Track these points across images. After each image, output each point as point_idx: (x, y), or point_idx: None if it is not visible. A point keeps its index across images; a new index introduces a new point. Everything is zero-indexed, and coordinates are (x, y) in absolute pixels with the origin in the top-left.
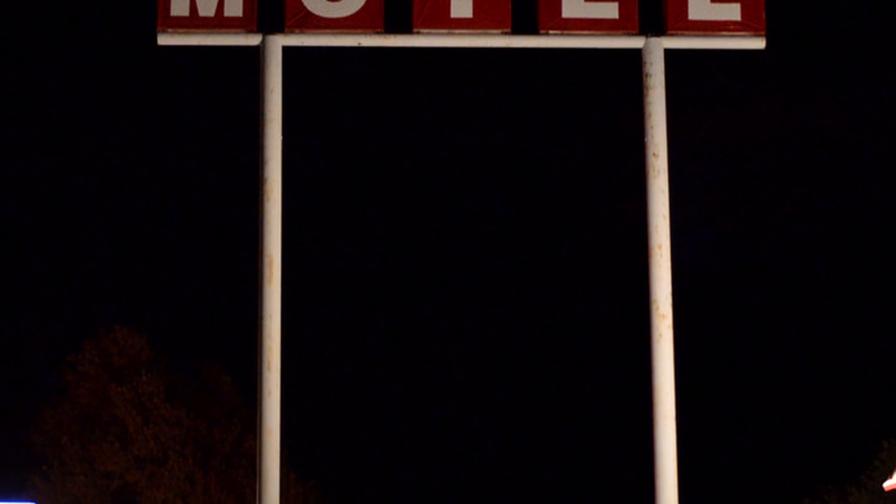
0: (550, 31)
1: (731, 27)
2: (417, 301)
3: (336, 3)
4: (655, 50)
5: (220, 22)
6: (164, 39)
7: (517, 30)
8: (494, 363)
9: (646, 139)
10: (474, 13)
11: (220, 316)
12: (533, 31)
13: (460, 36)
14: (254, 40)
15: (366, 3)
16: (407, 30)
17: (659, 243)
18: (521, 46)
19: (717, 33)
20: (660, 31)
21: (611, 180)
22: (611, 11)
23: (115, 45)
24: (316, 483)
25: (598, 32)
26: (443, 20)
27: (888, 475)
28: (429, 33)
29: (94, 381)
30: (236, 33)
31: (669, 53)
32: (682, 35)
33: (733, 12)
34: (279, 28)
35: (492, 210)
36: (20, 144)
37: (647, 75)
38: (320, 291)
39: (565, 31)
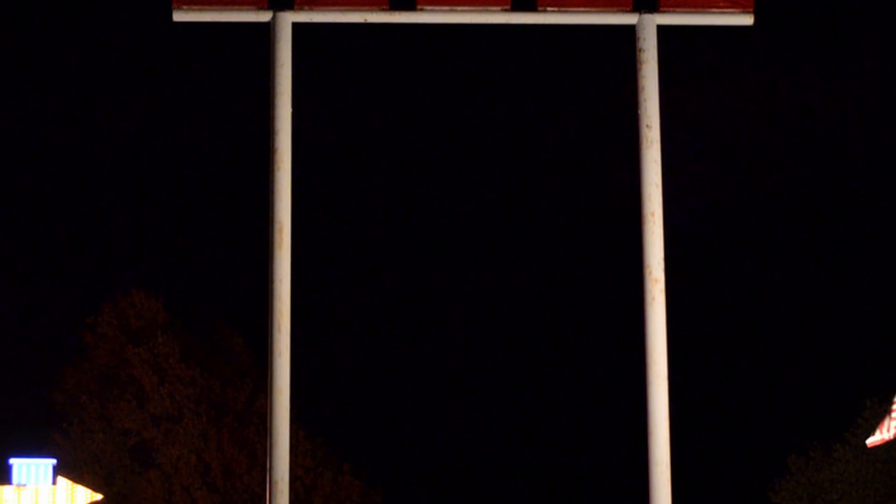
0: (548, 8)
1: (721, 4)
2: (422, 265)
3: None
4: (648, 26)
5: None
6: (179, 16)
7: (517, 6)
8: (496, 324)
9: (639, 111)
10: None
11: (232, 280)
12: (532, 7)
13: (462, 12)
14: (265, 17)
15: None
16: (411, 6)
17: (652, 211)
18: (521, 22)
19: (708, 10)
20: (653, 7)
21: (606, 150)
22: None
23: (133, 21)
24: (324, 440)
25: (593, 9)
26: None
27: (870, 432)
28: (432, 10)
29: (113, 343)
30: (248, 10)
31: (662, 29)
32: (674, 12)
33: None
34: (289, 5)
35: (492, 179)
36: (43, 117)
37: (640, 50)
38: (329, 256)
39: (563, 8)
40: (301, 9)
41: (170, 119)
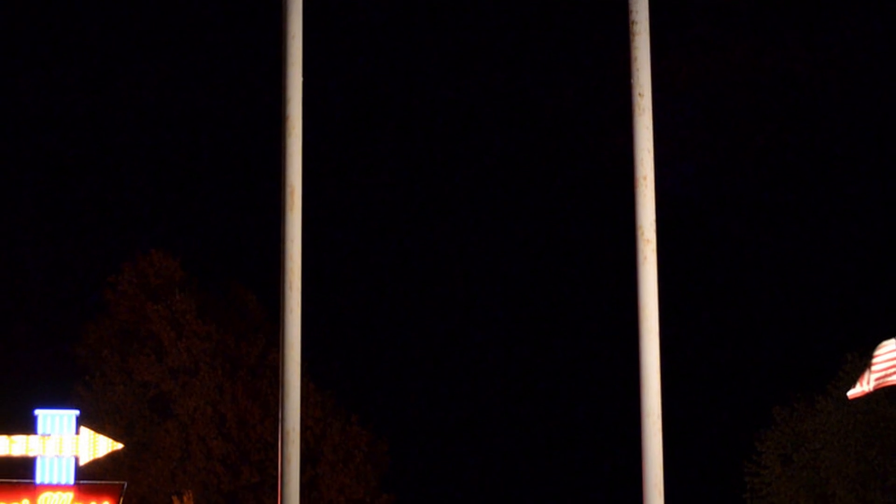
0: None
1: None
2: (425, 225)
3: None
4: None
5: None
6: None
7: None
8: (496, 280)
9: (632, 80)
10: None
11: (246, 240)
12: None
13: None
14: None
15: None
16: None
17: (644, 175)
18: None
19: None
20: None
21: (600, 117)
22: None
23: None
24: (333, 392)
25: None
26: None
27: (851, 385)
28: None
29: (133, 300)
30: None
31: (654, 2)
32: None
33: None
34: None
35: (492, 143)
36: (67, 84)
37: (633, 22)
38: (338, 218)
39: None
40: None
41: (187, 87)
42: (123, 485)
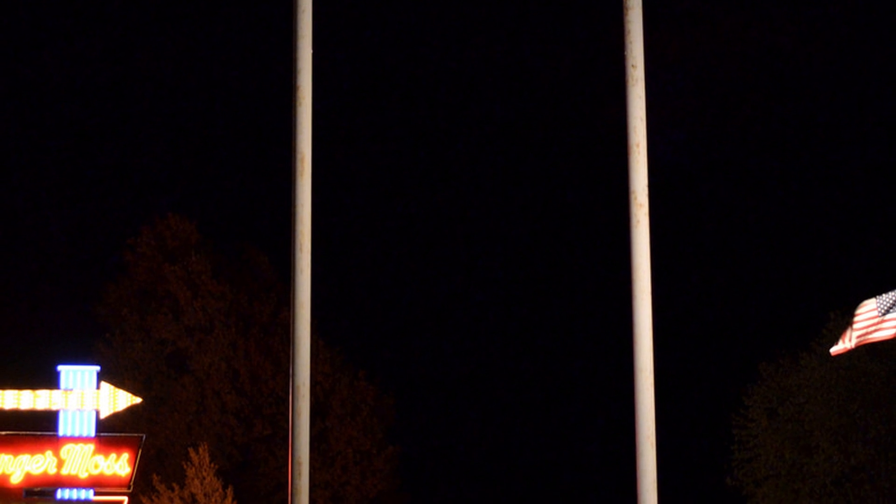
0: None
1: None
2: (428, 190)
3: None
4: None
5: None
6: None
7: None
8: (496, 243)
9: (625, 52)
10: None
11: (258, 204)
12: None
13: None
14: None
15: None
16: None
17: (637, 142)
18: None
19: None
20: None
21: (595, 88)
22: None
23: None
24: (341, 348)
25: None
26: None
27: (834, 342)
28: None
29: (151, 261)
30: None
31: None
32: None
33: None
34: None
35: (492, 113)
36: (88, 56)
37: None
38: (346, 183)
39: None
40: None
41: (203, 60)
42: (142, 437)
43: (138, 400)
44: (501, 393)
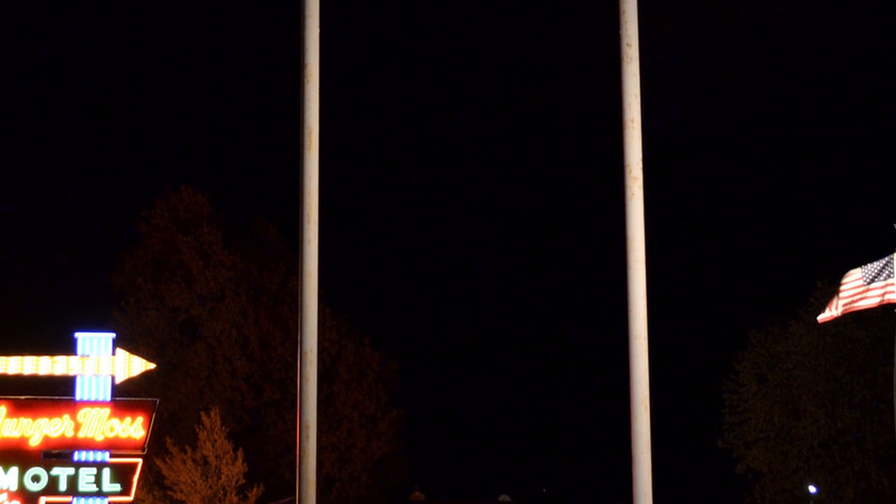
0: None
1: None
2: (431, 163)
3: None
4: None
5: None
6: None
7: None
8: (496, 214)
9: (620, 31)
10: None
11: (268, 177)
12: None
13: None
14: None
15: None
16: None
17: (631, 117)
18: None
19: None
20: None
21: (591, 65)
22: None
23: None
24: (348, 316)
25: None
26: None
27: (821, 310)
28: None
29: (164, 232)
30: None
31: None
32: None
33: None
34: None
35: (493, 89)
36: (104, 35)
37: None
38: (352, 156)
39: None
40: None
41: (215, 38)
42: (156, 401)
43: (152, 366)
44: (501, 359)
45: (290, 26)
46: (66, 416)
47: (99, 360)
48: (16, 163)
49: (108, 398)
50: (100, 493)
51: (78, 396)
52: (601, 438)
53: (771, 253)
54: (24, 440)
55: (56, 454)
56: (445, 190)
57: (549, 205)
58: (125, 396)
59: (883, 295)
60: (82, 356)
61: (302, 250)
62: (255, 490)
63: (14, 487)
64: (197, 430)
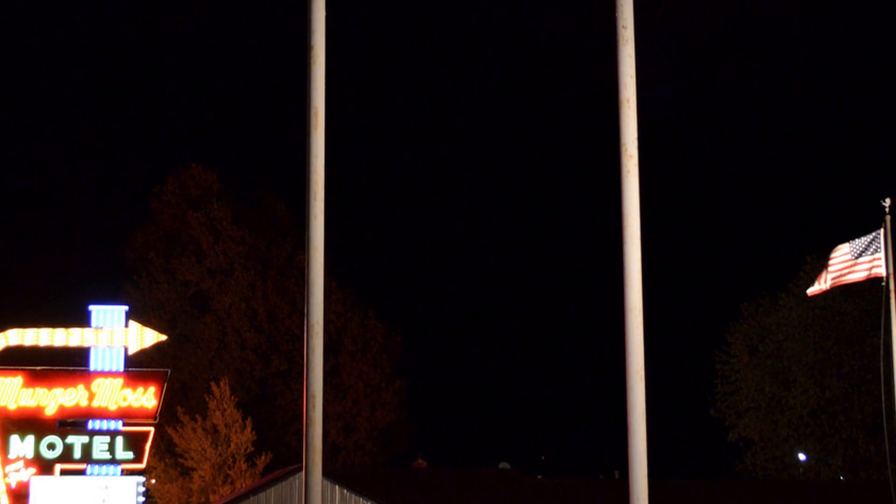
0: None
1: None
2: (434, 142)
3: None
4: None
5: None
6: None
7: None
8: (497, 191)
9: (616, 14)
10: None
11: (276, 156)
12: None
13: None
14: None
15: None
16: None
17: (627, 98)
18: None
19: None
20: None
21: (588, 47)
22: None
23: None
24: (353, 290)
25: None
26: None
27: (810, 284)
28: None
29: (175, 208)
30: None
31: None
32: None
33: None
34: None
35: (493, 70)
36: (117, 17)
37: None
38: (357, 135)
39: None
40: None
41: (224, 19)
42: (167, 372)
43: (164, 337)
44: (501, 331)
45: (297, 9)
46: (81, 387)
47: (112, 332)
48: (32, 141)
49: (121, 369)
50: (113, 461)
51: (92, 367)
52: (597, 408)
53: (762, 228)
54: (39, 409)
55: (71, 423)
56: (447, 167)
57: (547, 182)
58: (138, 367)
59: (870, 269)
60: (96, 328)
61: (308, 225)
62: (262, 457)
63: (30, 455)
64: (207, 399)
